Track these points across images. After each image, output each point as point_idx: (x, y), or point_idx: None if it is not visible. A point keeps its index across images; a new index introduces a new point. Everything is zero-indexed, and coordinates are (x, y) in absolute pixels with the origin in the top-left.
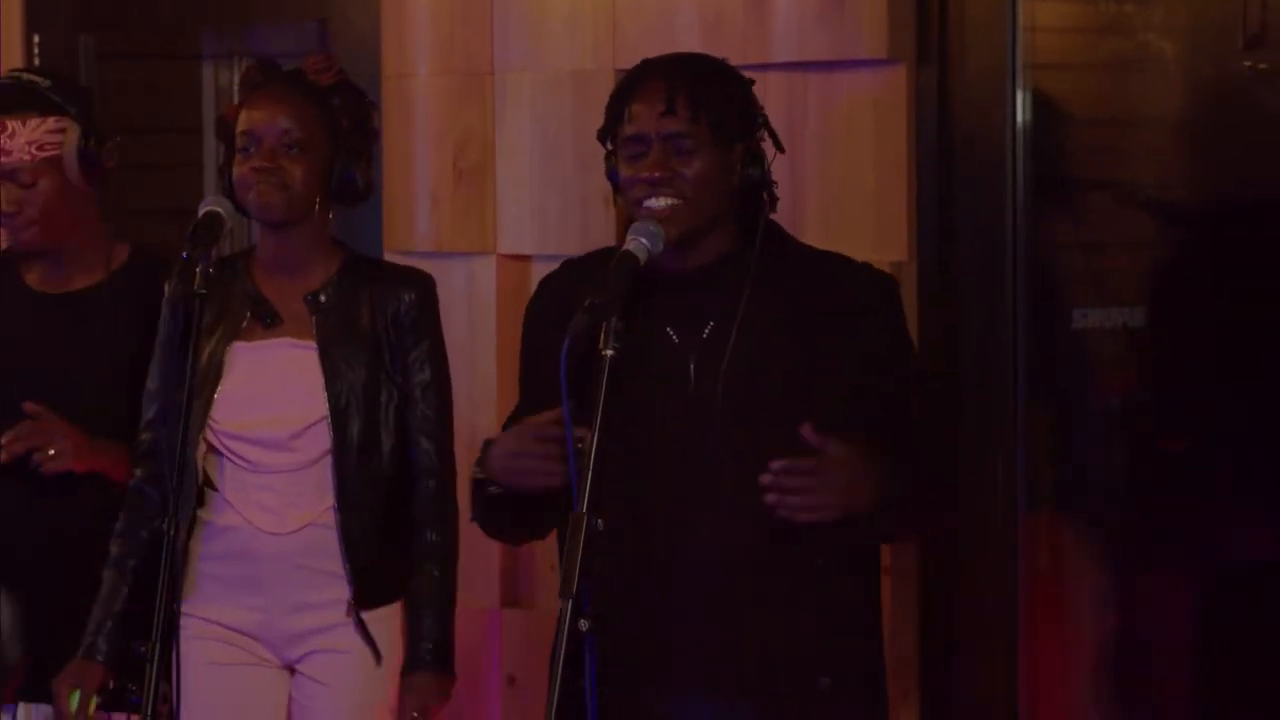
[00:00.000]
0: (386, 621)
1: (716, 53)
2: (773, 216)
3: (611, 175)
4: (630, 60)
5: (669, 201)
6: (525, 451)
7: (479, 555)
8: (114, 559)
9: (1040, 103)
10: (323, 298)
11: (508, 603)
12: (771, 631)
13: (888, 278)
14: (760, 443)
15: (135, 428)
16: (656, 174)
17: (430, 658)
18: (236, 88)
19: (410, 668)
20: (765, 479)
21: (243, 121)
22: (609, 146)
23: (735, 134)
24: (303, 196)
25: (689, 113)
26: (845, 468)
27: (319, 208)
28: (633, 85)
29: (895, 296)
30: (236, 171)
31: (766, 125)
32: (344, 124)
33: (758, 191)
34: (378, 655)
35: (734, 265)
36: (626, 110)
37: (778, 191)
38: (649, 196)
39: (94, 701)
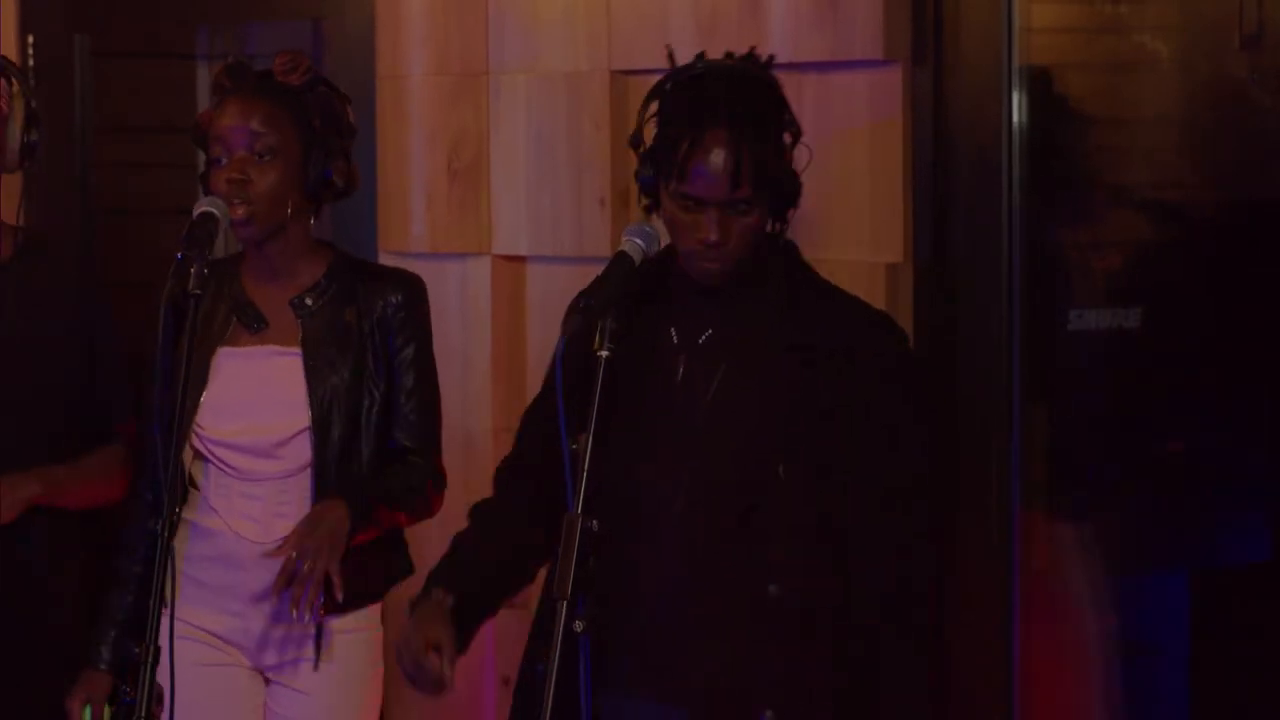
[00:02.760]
0: (365, 630)
1: (711, 54)
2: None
3: (645, 179)
4: (625, 62)
5: (719, 267)
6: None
7: None
8: (116, 568)
9: (1036, 103)
10: (309, 301)
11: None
12: (714, 644)
13: (900, 331)
14: (736, 449)
15: (48, 423)
16: (714, 238)
17: (350, 496)
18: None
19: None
20: None
21: (213, 130)
22: (641, 150)
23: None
24: (274, 205)
25: (753, 181)
26: None
27: (296, 211)
28: (696, 137)
29: (905, 353)
30: (211, 182)
31: (796, 134)
32: (316, 123)
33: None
34: (317, 663)
35: (748, 279)
36: (690, 166)
37: None
38: (704, 260)
39: (108, 711)
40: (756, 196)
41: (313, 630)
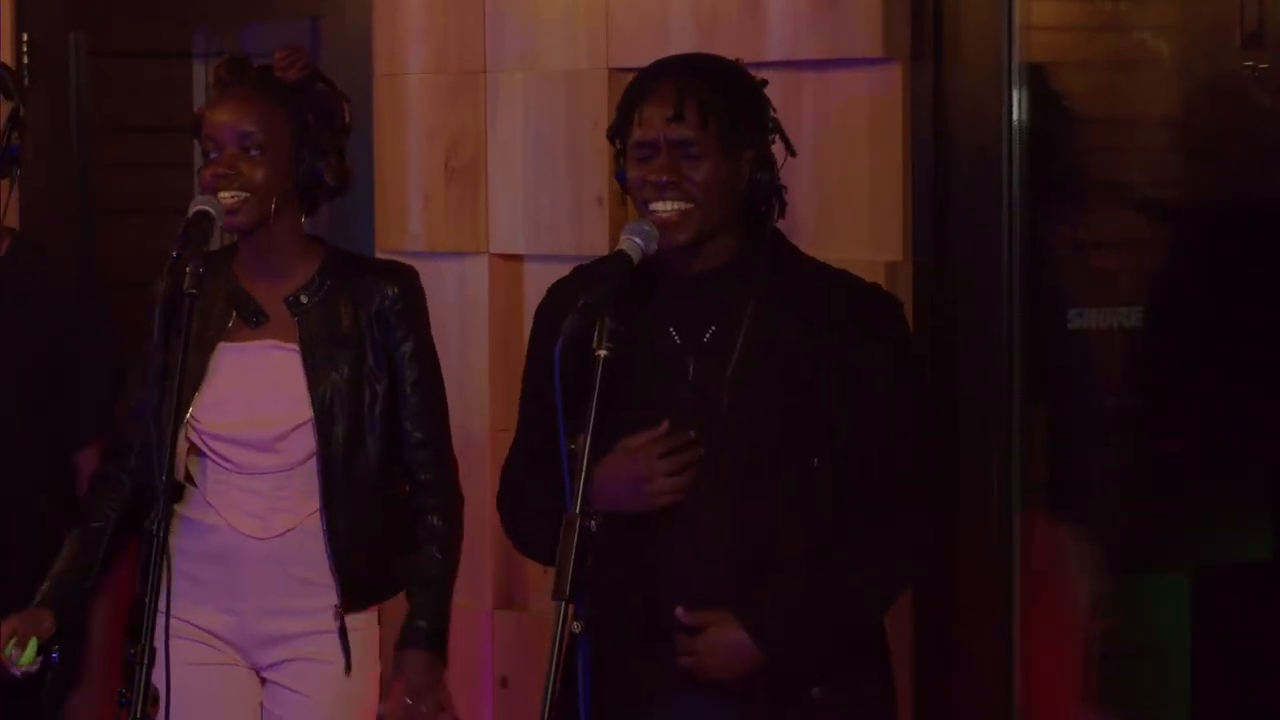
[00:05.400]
0: (363, 630)
1: (711, 52)
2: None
3: (620, 175)
4: (624, 60)
5: (676, 206)
6: (656, 474)
7: (471, 557)
8: (72, 529)
9: (1036, 102)
10: (303, 299)
11: (500, 605)
12: None
13: (895, 299)
14: (757, 447)
15: (26, 427)
16: (664, 177)
17: (424, 639)
18: (209, 85)
19: (403, 644)
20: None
21: (206, 125)
22: (618, 146)
23: (744, 140)
24: (263, 200)
25: (698, 119)
26: (718, 650)
27: (284, 208)
28: (644, 87)
29: (897, 318)
30: (200, 177)
31: (778, 129)
32: (310, 120)
33: (766, 197)
34: (350, 665)
35: (739, 270)
36: (637, 113)
37: None
38: (656, 199)
39: (33, 643)
40: (705, 139)
41: (310, 629)
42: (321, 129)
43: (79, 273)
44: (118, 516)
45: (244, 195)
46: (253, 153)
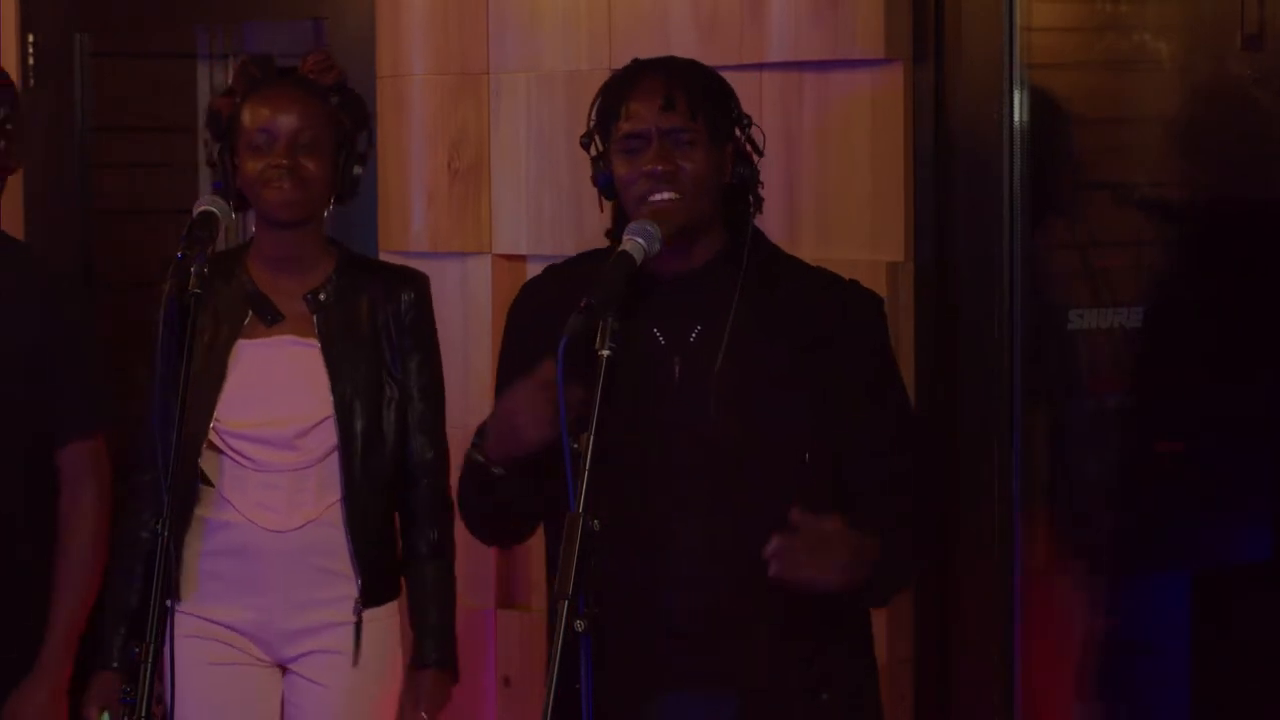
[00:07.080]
0: (384, 621)
1: (712, 53)
2: (769, 217)
3: (601, 178)
4: (625, 61)
5: (670, 196)
6: (519, 408)
7: (475, 556)
8: (118, 565)
9: (1037, 102)
10: (322, 296)
11: (503, 604)
12: (754, 629)
13: (877, 296)
14: (746, 445)
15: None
16: (659, 167)
17: (435, 656)
18: (231, 81)
19: (415, 665)
20: (769, 549)
21: (253, 118)
22: (594, 151)
23: (727, 133)
24: (318, 194)
25: (688, 109)
26: (818, 537)
27: (323, 206)
28: (628, 84)
29: (883, 316)
30: (248, 168)
31: (750, 127)
32: (346, 123)
33: (745, 192)
34: (357, 659)
35: (722, 269)
36: (624, 108)
37: (774, 192)
38: (653, 191)
39: (105, 716)
40: (695, 129)
41: (331, 621)
42: (356, 132)
43: (56, 267)
44: (150, 542)
45: (303, 188)
46: (307, 148)
